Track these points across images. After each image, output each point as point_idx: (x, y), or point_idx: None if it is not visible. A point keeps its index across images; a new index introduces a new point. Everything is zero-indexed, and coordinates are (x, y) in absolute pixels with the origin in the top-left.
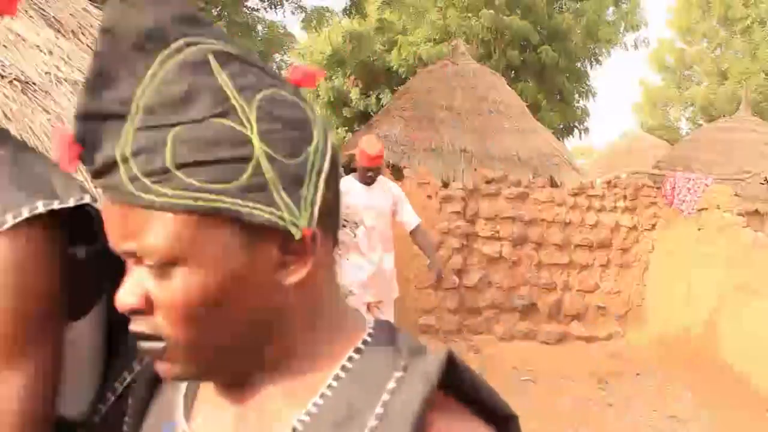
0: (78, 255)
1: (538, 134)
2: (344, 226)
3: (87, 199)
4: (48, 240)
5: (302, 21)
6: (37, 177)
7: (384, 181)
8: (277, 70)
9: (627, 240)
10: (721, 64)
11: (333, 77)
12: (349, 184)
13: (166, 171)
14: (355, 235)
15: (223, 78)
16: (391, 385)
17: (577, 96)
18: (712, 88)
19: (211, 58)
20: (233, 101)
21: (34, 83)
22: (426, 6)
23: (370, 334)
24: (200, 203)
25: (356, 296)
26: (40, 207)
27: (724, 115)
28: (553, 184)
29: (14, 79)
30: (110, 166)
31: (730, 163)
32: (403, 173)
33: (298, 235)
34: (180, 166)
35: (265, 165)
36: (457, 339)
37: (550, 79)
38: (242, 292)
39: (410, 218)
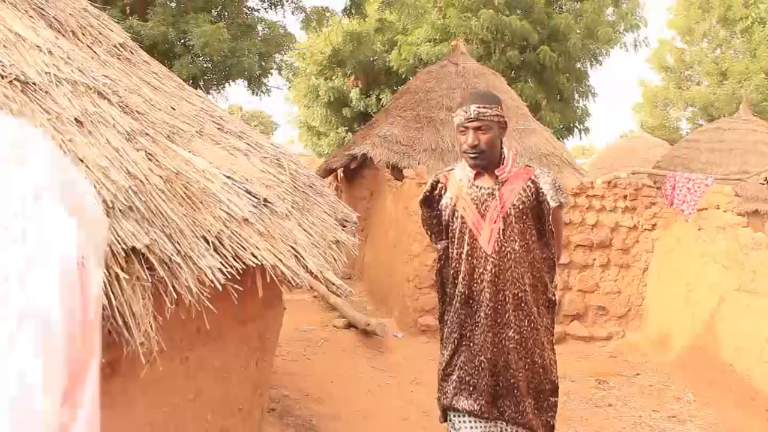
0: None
1: (538, 134)
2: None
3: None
4: None
5: (302, 21)
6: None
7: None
8: (277, 70)
9: (627, 240)
10: (721, 64)
11: (333, 77)
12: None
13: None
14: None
15: None
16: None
17: (577, 96)
18: (712, 88)
19: None
20: None
21: (34, 83)
22: (426, 6)
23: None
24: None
25: None
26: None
27: (724, 115)
28: None
29: (14, 79)
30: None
31: (730, 163)
32: (403, 173)
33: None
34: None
35: None
36: None
37: (550, 79)
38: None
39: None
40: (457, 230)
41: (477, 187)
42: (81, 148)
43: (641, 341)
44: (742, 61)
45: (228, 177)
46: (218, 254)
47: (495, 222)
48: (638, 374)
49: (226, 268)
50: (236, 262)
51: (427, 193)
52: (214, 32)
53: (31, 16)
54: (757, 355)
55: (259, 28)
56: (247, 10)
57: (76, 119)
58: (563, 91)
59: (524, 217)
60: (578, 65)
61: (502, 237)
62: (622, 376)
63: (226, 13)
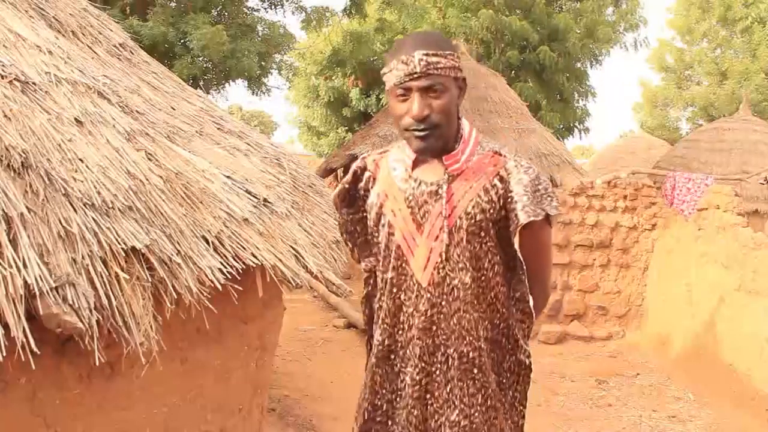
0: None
1: (538, 134)
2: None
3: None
4: None
5: (302, 21)
6: None
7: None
8: (277, 70)
9: (627, 240)
10: (721, 64)
11: (333, 77)
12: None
13: None
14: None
15: None
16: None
17: (577, 96)
18: (712, 88)
19: None
20: None
21: (34, 83)
22: (426, 6)
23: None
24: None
25: None
26: None
27: (724, 115)
28: (553, 184)
29: (14, 79)
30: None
31: (730, 163)
32: None
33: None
34: None
35: None
36: None
37: (550, 79)
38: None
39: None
40: (383, 245)
41: (415, 181)
42: (81, 148)
43: (641, 341)
44: (742, 61)
45: (228, 177)
46: (218, 254)
47: (437, 238)
48: (638, 374)
49: (226, 268)
50: (236, 262)
51: (347, 186)
52: (214, 35)
53: (31, 16)
54: (757, 355)
55: (259, 28)
56: (247, 10)
57: (76, 119)
58: (563, 91)
59: (482, 234)
60: (578, 65)
61: (445, 262)
62: (622, 376)
63: (226, 13)
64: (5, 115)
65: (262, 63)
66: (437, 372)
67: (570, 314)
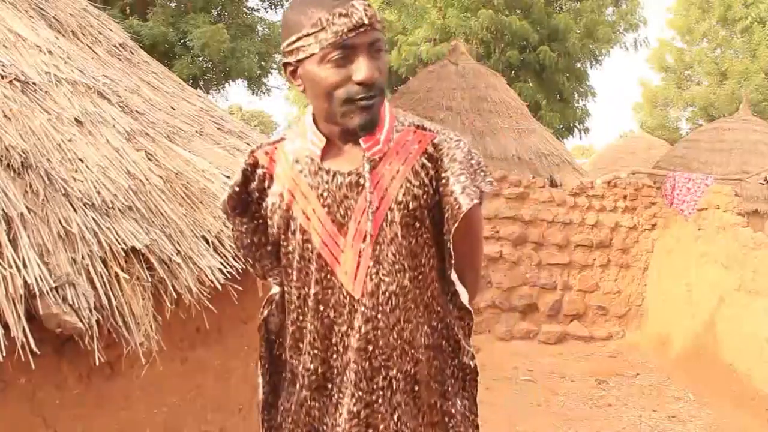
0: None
1: (538, 134)
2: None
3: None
4: None
5: None
6: None
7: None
8: (277, 70)
9: (627, 240)
10: (721, 64)
11: None
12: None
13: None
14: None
15: None
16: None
17: (577, 96)
18: (712, 88)
19: None
20: None
21: (34, 83)
22: (426, 6)
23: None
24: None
25: None
26: None
27: (724, 115)
28: (553, 184)
29: (14, 79)
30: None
31: (730, 163)
32: None
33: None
34: None
35: None
36: None
37: (549, 79)
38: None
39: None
40: (296, 255)
41: (327, 172)
42: (81, 148)
43: (641, 341)
44: (742, 61)
45: (228, 177)
46: (218, 254)
47: (365, 238)
48: (638, 374)
49: (226, 268)
50: (236, 262)
51: (237, 188)
52: (214, 33)
53: (31, 16)
54: (757, 355)
55: (259, 28)
56: (246, 10)
57: (76, 119)
58: (563, 91)
59: (418, 224)
60: (578, 65)
61: (379, 265)
62: (622, 376)
63: (226, 13)
64: (5, 115)
65: (262, 63)
66: (379, 401)
67: (570, 314)
